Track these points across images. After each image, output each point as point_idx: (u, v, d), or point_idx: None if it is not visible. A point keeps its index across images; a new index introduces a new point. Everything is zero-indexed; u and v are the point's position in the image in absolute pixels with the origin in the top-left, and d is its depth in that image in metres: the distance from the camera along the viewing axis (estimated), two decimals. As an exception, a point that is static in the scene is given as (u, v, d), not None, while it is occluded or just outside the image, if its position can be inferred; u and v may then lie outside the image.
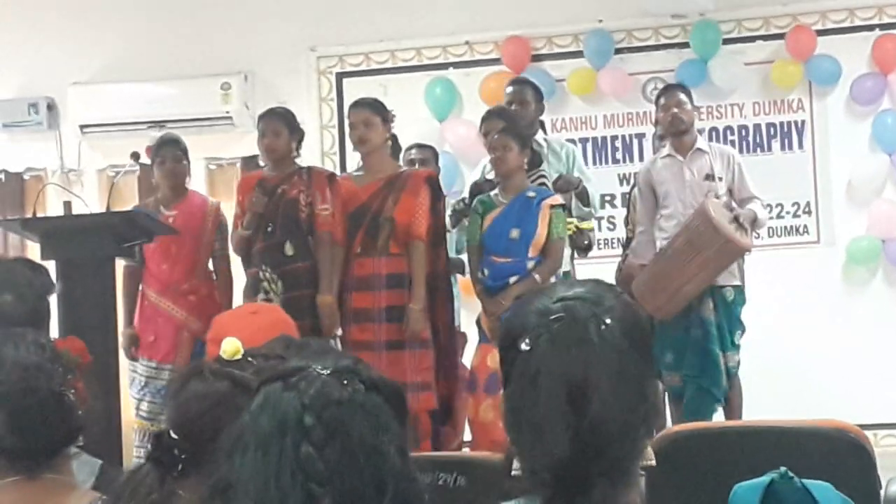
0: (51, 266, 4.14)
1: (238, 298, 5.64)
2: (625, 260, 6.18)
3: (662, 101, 5.87)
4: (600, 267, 6.25)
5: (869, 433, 3.17)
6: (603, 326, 1.46)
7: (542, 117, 6.16)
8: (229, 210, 5.74)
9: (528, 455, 1.47)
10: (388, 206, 5.24)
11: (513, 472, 1.49)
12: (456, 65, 7.90)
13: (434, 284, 5.31)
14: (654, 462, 1.50)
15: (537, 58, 7.80)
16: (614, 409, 1.43)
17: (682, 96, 5.85)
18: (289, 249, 5.24)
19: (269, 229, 5.27)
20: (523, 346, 1.47)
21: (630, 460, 1.47)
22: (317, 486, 1.30)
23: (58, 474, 2.14)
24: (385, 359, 5.02)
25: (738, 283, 5.71)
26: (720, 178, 5.73)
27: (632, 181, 7.42)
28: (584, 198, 5.89)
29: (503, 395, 1.51)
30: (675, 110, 5.77)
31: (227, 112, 7.86)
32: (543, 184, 5.60)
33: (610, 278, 5.23)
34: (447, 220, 5.70)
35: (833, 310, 7.33)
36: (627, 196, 6.70)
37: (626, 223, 6.49)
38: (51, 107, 8.13)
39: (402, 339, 5.15)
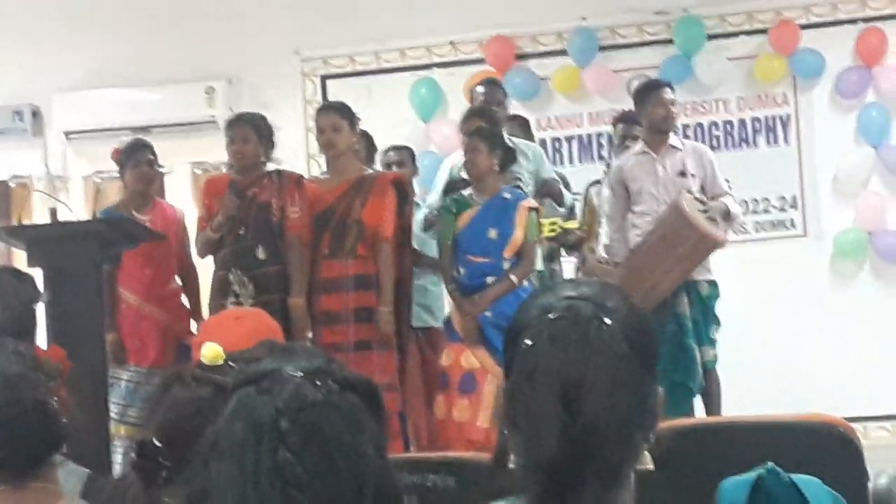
0: (37, 274, 4.13)
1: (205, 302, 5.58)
2: (584, 261, 6.15)
3: (653, 96, 5.78)
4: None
5: (857, 426, 3.19)
6: (604, 328, 1.44)
7: (523, 116, 6.20)
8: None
9: (521, 451, 1.46)
10: (355, 208, 5.26)
11: (509, 465, 1.48)
12: (440, 65, 7.90)
13: (400, 286, 5.34)
14: (651, 466, 1.48)
15: (521, 57, 7.81)
16: (608, 412, 1.41)
17: (672, 94, 5.82)
18: (261, 253, 5.21)
19: (241, 232, 5.24)
20: (525, 342, 1.45)
21: (624, 464, 1.45)
22: (297, 491, 1.28)
23: (44, 483, 2.13)
24: (353, 360, 4.96)
25: (711, 277, 5.69)
26: (693, 175, 5.71)
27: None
28: (558, 198, 5.92)
29: (503, 389, 1.50)
30: (673, 108, 5.76)
31: (213, 116, 7.84)
32: (518, 186, 5.60)
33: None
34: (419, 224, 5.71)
35: (821, 303, 7.35)
36: (584, 195, 6.44)
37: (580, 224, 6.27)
38: (35, 113, 8.12)
39: (370, 340, 5.17)
